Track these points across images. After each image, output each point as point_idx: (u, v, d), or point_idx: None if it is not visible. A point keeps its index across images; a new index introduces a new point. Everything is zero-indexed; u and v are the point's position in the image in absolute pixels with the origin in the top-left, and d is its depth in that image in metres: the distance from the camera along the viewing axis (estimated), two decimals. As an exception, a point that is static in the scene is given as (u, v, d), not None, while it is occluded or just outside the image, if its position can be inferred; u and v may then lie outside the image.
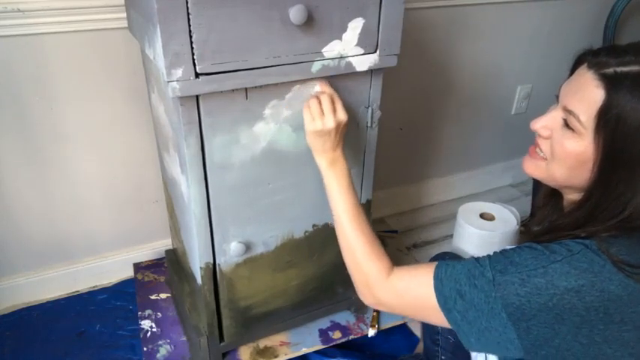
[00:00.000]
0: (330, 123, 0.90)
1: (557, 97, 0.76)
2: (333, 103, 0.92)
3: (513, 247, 0.75)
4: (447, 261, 0.77)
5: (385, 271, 0.82)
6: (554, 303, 0.66)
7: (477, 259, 0.74)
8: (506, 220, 1.57)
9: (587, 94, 0.68)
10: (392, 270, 0.82)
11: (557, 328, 0.67)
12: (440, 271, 0.75)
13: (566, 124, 0.72)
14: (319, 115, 0.91)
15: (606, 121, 0.66)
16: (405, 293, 0.79)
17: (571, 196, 0.78)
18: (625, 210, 0.68)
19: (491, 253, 0.75)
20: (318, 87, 0.97)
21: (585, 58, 0.72)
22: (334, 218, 0.92)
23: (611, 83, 0.66)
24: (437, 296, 0.74)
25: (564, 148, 0.72)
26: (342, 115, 0.91)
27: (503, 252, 0.74)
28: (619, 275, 0.66)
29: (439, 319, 0.75)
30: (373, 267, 0.83)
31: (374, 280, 0.82)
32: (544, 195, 0.88)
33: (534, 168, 0.79)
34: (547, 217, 0.88)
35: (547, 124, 0.75)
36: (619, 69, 0.66)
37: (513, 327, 0.68)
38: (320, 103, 0.92)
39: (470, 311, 0.71)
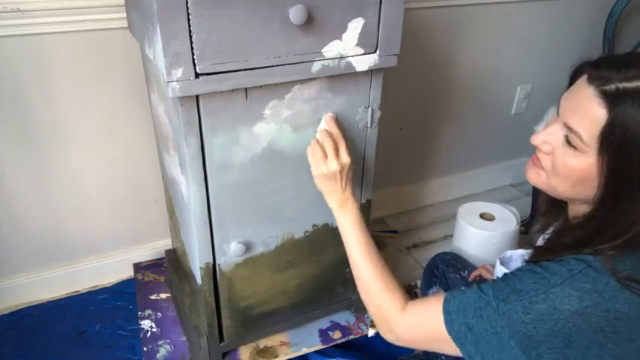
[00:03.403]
0: (333, 166, 0.91)
1: (558, 106, 0.74)
2: (336, 144, 0.93)
3: (515, 270, 0.74)
4: (454, 292, 0.76)
5: (399, 306, 0.81)
6: (559, 327, 0.65)
7: (481, 289, 0.73)
8: (506, 220, 1.57)
9: (588, 112, 0.65)
10: (406, 304, 0.81)
11: (567, 352, 0.65)
12: (448, 306, 0.74)
13: (568, 141, 0.69)
14: (323, 159, 0.92)
15: (610, 141, 0.64)
16: (418, 327, 0.79)
17: (577, 207, 0.76)
18: (631, 228, 0.66)
19: (495, 279, 0.75)
20: (324, 123, 0.98)
21: (585, 70, 0.68)
22: (348, 255, 0.92)
23: (613, 101, 0.63)
24: (448, 331, 0.73)
25: (567, 165, 0.70)
26: (346, 158, 0.92)
27: (506, 278, 0.73)
28: (624, 293, 0.64)
29: (454, 350, 0.74)
30: (388, 302, 0.83)
31: (389, 315, 0.82)
32: (545, 201, 0.87)
33: (536, 177, 0.77)
34: (550, 223, 0.87)
35: (547, 139, 0.73)
36: (621, 85, 0.63)
37: (524, 355, 0.67)
38: (323, 146, 0.93)
39: (480, 343, 0.70)
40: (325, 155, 0.92)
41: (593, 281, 0.65)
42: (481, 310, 0.71)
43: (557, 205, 0.84)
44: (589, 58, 0.71)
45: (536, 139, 0.74)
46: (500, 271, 0.86)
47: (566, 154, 0.70)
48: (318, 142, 0.95)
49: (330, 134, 0.95)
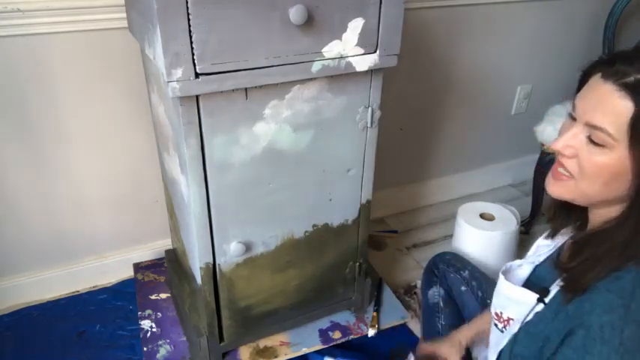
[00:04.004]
0: None
1: (572, 115, 0.72)
2: None
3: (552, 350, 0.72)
4: None
5: None
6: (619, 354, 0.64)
7: None
8: (506, 220, 1.57)
9: (611, 107, 0.65)
10: None
11: None
12: None
13: (592, 141, 0.68)
14: None
15: None
16: None
17: (604, 211, 0.74)
18: None
19: None
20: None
21: (597, 70, 0.68)
22: None
23: (636, 91, 0.63)
24: None
25: (596, 164, 0.68)
26: None
27: None
28: None
29: None
30: None
31: None
32: (556, 206, 0.84)
33: (563, 190, 0.74)
34: (559, 229, 0.85)
35: (569, 142, 0.70)
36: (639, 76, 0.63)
37: None
38: None
39: None
40: None
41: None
42: None
43: (568, 210, 0.82)
44: (599, 58, 0.70)
45: (558, 144, 0.72)
46: (505, 286, 0.85)
47: (592, 153, 0.68)
48: None
49: None
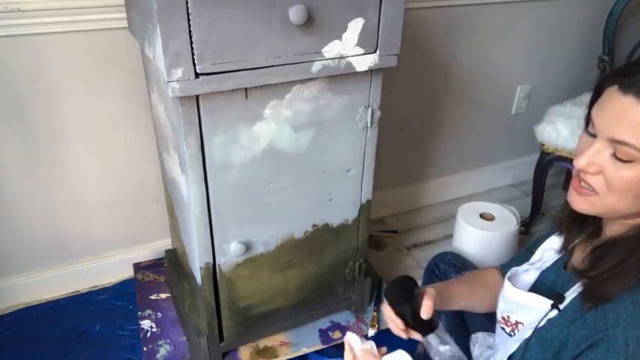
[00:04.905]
0: None
1: (589, 131, 0.70)
2: None
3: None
4: None
5: None
6: None
7: None
8: (506, 220, 1.57)
9: (635, 120, 0.63)
10: None
11: None
12: None
13: (617, 157, 0.66)
14: None
15: None
16: None
17: (627, 220, 0.72)
18: None
19: None
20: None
21: (613, 82, 0.66)
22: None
23: None
24: None
25: (625, 179, 0.66)
26: None
27: None
28: None
29: None
30: None
31: None
32: (569, 218, 0.82)
33: (587, 205, 0.72)
34: (571, 241, 0.83)
35: (594, 160, 0.68)
36: None
37: None
38: None
39: None
40: None
41: None
42: None
43: (582, 222, 0.81)
44: (615, 69, 0.68)
45: (581, 162, 0.69)
46: (511, 291, 0.84)
47: (619, 168, 0.66)
48: None
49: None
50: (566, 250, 0.84)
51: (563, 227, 0.84)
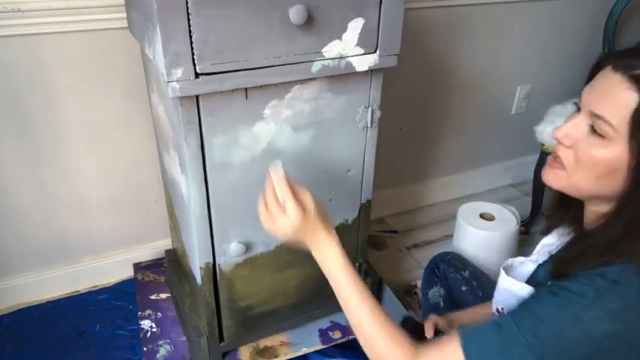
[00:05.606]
0: (286, 227, 0.79)
1: (577, 104, 0.71)
2: (283, 202, 0.79)
3: (533, 295, 0.71)
4: (470, 335, 0.70)
5: (410, 353, 0.73)
6: (591, 351, 0.63)
7: (500, 325, 0.68)
8: (506, 220, 1.57)
9: (617, 97, 0.64)
10: (416, 351, 0.74)
11: None
12: (470, 353, 0.68)
13: (594, 130, 0.67)
14: (275, 223, 0.80)
15: None
16: None
17: (597, 208, 0.73)
18: None
19: (513, 310, 0.70)
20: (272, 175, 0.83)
21: (609, 61, 0.67)
22: (340, 303, 0.82)
23: None
24: None
25: (593, 156, 0.67)
26: (294, 215, 0.78)
27: (525, 307, 0.69)
28: None
29: None
30: (396, 351, 0.74)
31: None
32: (554, 202, 0.84)
33: (555, 178, 0.74)
34: (555, 225, 0.85)
35: (570, 132, 0.70)
36: None
37: None
38: (271, 208, 0.81)
39: None
40: (275, 216, 0.80)
41: (622, 299, 0.63)
42: (508, 349, 0.66)
43: (567, 206, 0.82)
44: (611, 50, 0.71)
45: (559, 132, 0.71)
46: (505, 281, 0.85)
47: (591, 144, 0.67)
48: (265, 204, 0.81)
49: (273, 192, 0.81)
50: (547, 233, 0.86)
51: (549, 213, 0.86)
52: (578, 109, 0.71)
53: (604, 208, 0.71)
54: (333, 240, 0.82)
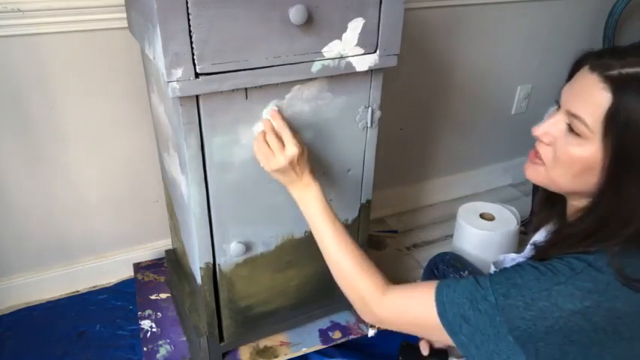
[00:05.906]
0: (281, 161, 0.87)
1: (558, 102, 0.74)
2: (281, 137, 0.89)
3: (514, 265, 0.73)
4: (447, 281, 0.75)
5: (380, 288, 0.81)
6: (560, 325, 0.65)
7: (478, 280, 0.72)
8: (506, 220, 1.57)
9: (592, 97, 0.66)
10: (387, 286, 0.81)
11: (566, 349, 0.66)
12: (442, 295, 0.74)
13: (571, 129, 0.69)
14: (269, 155, 0.89)
15: (615, 124, 0.64)
16: (406, 312, 0.78)
17: (576, 203, 0.76)
18: (634, 218, 0.65)
19: (492, 273, 0.74)
20: (266, 113, 0.94)
21: (587, 61, 0.69)
22: (319, 244, 0.90)
23: (617, 85, 0.64)
24: (441, 320, 0.73)
25: (569, 154, 0.69)
26: (292, 150, 0.87)
27: (504, 272, 0.72)
28: (625, 291, 0.64)
29: (442, 336, 0.74)
30: (366, 284, 0.82)
31: (369, 297, 0.81)
32: (540, 199, 0.87)
33: (535, 174, 0.77)
34: (544, 222, 0.87)
35: (549, 130, 0.73)
36: (624, 70, 0.64)
37: (521, 349, 0.67)
38: (268, 141, 0.90)
39: (476, 335, 0.70)
40: (271, 151, 0.89)
41: (594, 281, 0.65)
42: (478, 302, 0.70)
43: (552, 203, 0.84)
44: (590, 49, 0.72)
45: (538, 130, 0.74)
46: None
47: (569, 143, 0.70)
48: (263, 137, 0.91)
49: (272, 128, 0.91)
50: (536, 230, 0.88)
51: (535, 210, 0.89)
52: (559, 107, 0.73)
53: (583, 202, 0.74)
54: (317, 181, 0.92)
